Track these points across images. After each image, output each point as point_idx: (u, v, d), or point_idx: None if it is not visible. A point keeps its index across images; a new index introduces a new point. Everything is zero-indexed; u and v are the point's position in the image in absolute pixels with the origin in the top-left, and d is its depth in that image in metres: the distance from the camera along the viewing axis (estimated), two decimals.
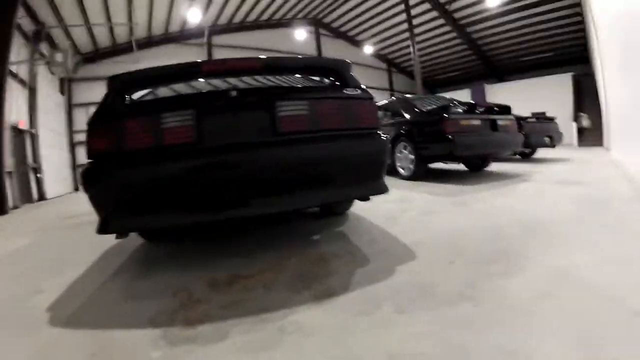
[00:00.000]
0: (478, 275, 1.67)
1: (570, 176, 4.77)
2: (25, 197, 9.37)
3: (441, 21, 17.89)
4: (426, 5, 16.97)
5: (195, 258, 2.37)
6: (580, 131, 15.51)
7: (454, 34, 18.73)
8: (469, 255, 1.94)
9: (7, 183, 7.53)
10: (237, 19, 17.43)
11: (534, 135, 7.18)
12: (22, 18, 9.13)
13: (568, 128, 14.42)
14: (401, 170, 5.56)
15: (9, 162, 8.18)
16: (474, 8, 16.42)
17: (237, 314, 1.50)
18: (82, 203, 7.40)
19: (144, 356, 1.26)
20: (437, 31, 18.87)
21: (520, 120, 6.96)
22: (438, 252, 2.02)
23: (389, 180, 2.22)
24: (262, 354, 1.22)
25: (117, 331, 1.45)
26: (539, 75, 17.94)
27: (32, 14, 10.13)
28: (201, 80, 2.33)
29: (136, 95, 2.15)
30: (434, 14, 17.46)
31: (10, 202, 7.62)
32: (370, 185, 2.13)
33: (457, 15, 17.42)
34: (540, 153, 8.61)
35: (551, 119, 8.26)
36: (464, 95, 18.56)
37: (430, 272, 1.75)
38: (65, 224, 4.61)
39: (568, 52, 17.36)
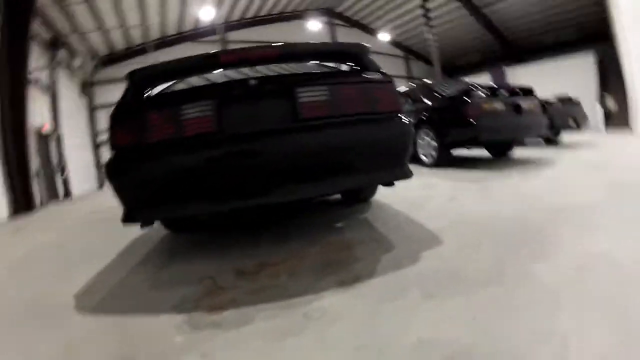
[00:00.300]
0: (507, 260, 1.61)
1: (597, 160, 4.57)
2: (52, 195, 9.72)
3: (457, 3, 17.40)
4: None
5: (220, 248, 2.37)
6: (606, 114, 14.90)
7: (470, 14, 18.10)
8: (497, 241, 1.88)
9: (34, 183, 7.81)
10: (250, 13, 17.40)
11: (559, 118, 6.93)
12: (39, 28, 9.44)
13: (593, 110, 13.90)
14: (423, 158, 5.43)
15: (36, 164, 8.48)
16: None
17: (263, 300, 1.49)
18: (105, 199, 7.61)
19: (167, 340, 1.27)
20: (454, 14, 18.27)
21: (544, 103, 6.75)
22: (465, 238, 1.97)
23: (411, 168, 2.16)
24: (288, 339, 1.20)
25: (142, 318, 1.47)
26: (561, 54, 17.26)
27: (48, 23, 10.44)
28: (217, 71, 2.32)
29: (155, 89, 2.16)
30: None
31: (37, 201, 7.91)
32: (394, 170, 2.07)
33: None
34: (566, 138, 8.35)
35: (576, 102, 7.98)
36: (483, 79, 18.04)
37: (458, 258, 1.70)
38: (90, 219, 4.72)
39: (590, 27, 16.56)
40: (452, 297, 1.34)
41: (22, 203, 7.10)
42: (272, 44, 2.10)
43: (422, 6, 14.73)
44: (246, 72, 2.15)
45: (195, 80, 2.16)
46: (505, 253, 1.70)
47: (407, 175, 2.09)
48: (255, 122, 1.86)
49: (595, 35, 16.10)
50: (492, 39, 19.82)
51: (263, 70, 2.18)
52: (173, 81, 2.14)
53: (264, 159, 1.81)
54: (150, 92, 2.03)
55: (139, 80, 2.00)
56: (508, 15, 17.62)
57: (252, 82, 1.88)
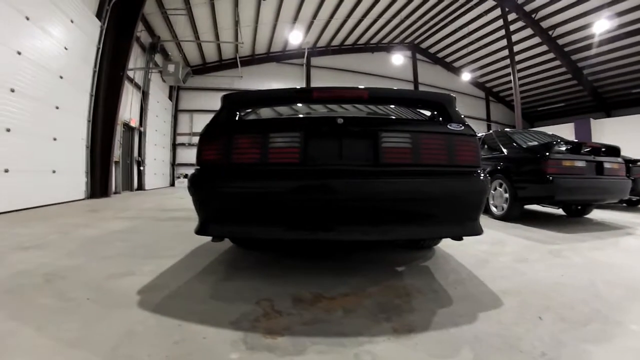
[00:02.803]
0: (566, 335, 1.52)
1: None
2: (126, 185, 10.66)
3: (544, 48, 16.74)
4: (528, 31, 16.05)
5: (281, 271, 2.44)
6: None
7: (557, 62, 17.40)
8: (560, 313, 1.76)
9: (113, 170, 8.67)
10: (336, 42, 18.12)
11: None
12: (141, 32, 10.63)
13: None
14: (494, 209, 5.26)
15: (117, 153, 9.38)
16: (580, 33, 15.13)
17: (316, 332, 1.52)
18: (176, 199, 8.18)
19: (222, 355, 1.32)
20: (540, 59, 17.69)
21: (629, 163, 6.22)
22: (527, 305, 1.87)
23: (480, 219, 2.11)
24: None
25: (200, 326, 1.55)
26: None
27: (149, 28, 11.75)
28: (300, 104, 2.44)
29: (246, 113, 2.33)
30: (537, 40, 16.42)
31: (112, 187, 8.76)
32: (465, 225, 2.02)
33: (561, 41, 16.18)
34: None
35: None
36: (567, 130, 17.01)
37: (517, 326, 1.62)
38: (160, 216, 5.08)
39: None
40: None
41: (99, 188, 7.89)
42: (361, 87, 2.16)
43: (508, 48, 14.31)
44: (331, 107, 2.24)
45: (283, 110, 2.29)
46: (566, 328, 1.59)
47: (478, 231, 2.04)
48: (338, 159, 1.93)
49: None
50: (579, 88, 18.74)
51: (349, 107, 2.24)
52: (264, 108, 2.29)
53: (340, 197, 1.85)
54: (241, 115, 2.19)
55: (232, 104, 2.16)
56: (598, 63, 16.56)
57: (340, 120, 1.94)
